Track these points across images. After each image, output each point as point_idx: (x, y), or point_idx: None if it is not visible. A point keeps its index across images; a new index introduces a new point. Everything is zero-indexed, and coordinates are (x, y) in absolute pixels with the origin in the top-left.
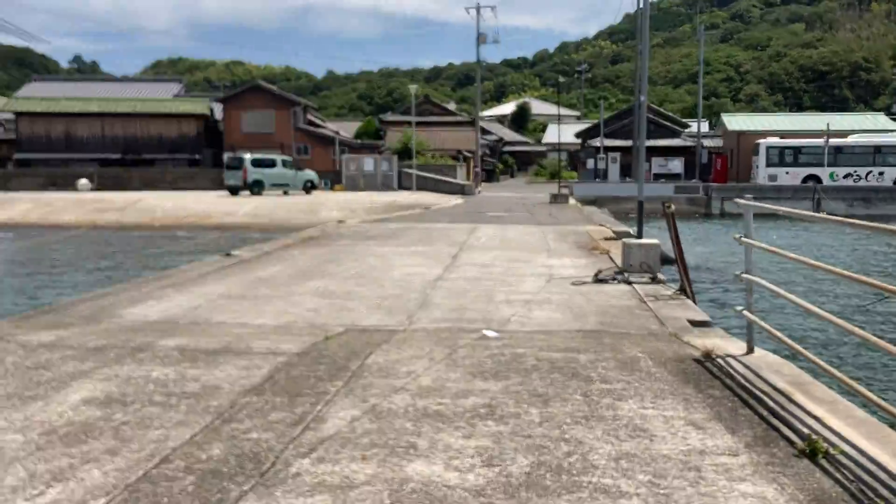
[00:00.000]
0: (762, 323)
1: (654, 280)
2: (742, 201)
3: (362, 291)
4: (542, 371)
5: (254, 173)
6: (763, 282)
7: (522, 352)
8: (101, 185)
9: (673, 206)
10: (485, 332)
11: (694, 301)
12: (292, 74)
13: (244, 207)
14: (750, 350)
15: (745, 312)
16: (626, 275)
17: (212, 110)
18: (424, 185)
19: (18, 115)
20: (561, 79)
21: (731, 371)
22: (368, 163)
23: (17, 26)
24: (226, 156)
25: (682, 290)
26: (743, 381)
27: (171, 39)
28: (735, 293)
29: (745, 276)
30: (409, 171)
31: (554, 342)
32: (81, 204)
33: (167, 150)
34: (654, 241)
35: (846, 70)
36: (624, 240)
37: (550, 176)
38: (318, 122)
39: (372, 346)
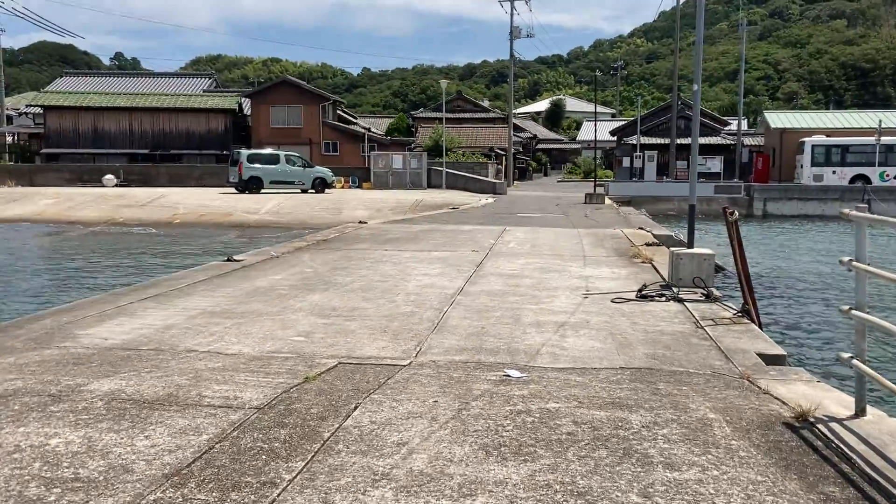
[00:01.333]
0: (885, 381)
1: (709, 298)
2: (855, 213)
3: (369, 309)
4: (583, 444)
5: (250, 170)
6: (884, 323)
7: (555, 407)
8: (127, 180)
9: (737, 213)
10: (507, 371)
11: (760, 326)
12: (328, 72)
13: (266, 205)
14: (860, 411)
15: (856, 362)
16: (675, 290)
17: (240, 105)
18: (455, 184)
19: (46, 109)
20: (598, 73)
21: (844, 448)
22: (397, 160)
23: (49, 21)
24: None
25: (745, 313)
26: (866, 467)
27: (210, 37)
28: (795, 311)
29: (856, 313)
30: (440, 168)
31: (595, 389)
32: (103, 200)
33: (195, 145)
34: (708, 250)
35: (889, 67)
36: (672, 249)
37: (584, 174)
38: (348, 118)
39: (361, 394)
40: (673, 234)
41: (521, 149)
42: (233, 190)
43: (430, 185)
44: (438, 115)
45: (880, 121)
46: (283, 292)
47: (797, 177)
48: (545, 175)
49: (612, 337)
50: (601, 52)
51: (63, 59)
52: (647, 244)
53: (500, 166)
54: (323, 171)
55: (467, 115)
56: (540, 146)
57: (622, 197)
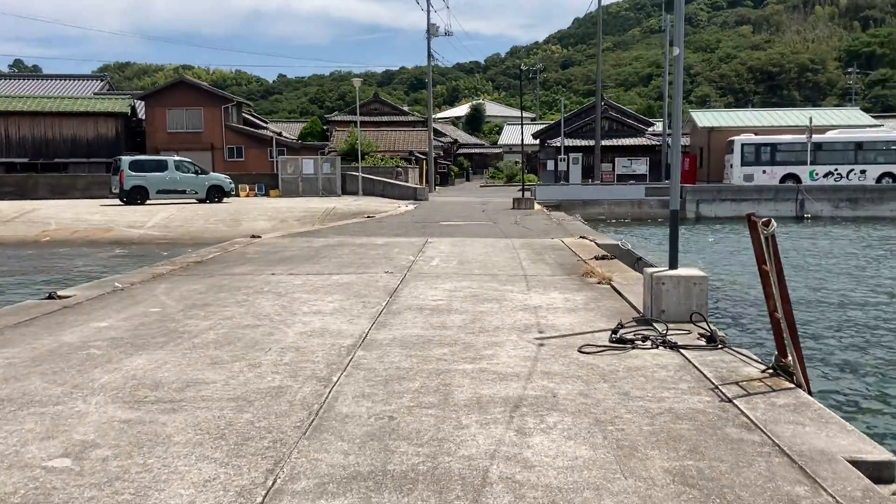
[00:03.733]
0: None
1: (713, 341)
2: None
3: (214, 383)
4: None
5: (133, 178)
6: None
7: None
8: None
9: (774, 224)
10: None
11: (810, 390)
12: (243, 78)
13: (154, 217)
14: None
15: None
16: (661, 330)
17: (133, 109)
18: (372, 190)
19: None
20: (524, 66)
21: None
22: (308, 165)
23: None
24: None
25: (781, 369)
26: None
27: (119, 45)
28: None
29: None
30: (355, 173)
31: None
32: None
33: (83, 153)
34: (698, 271)
35: (794, 71)
36: (649, 270)
37: (507, 178)
38: (256, 121)
39: None
40: (619, 243)
41: (442, 153)
42: (119, 202)
43: (345, 192)
44: (354, 118)
45: (811, 118)
46: (94, 353)
47: (727, 177)
48: (467, 180)
49: (601, 428)
50: (518, 59)
51: None
52: (597, 258)
53: (402, 170)
54: (219, 178)
55: (385, 119)
56: (461, 151)
57: (550, 201)
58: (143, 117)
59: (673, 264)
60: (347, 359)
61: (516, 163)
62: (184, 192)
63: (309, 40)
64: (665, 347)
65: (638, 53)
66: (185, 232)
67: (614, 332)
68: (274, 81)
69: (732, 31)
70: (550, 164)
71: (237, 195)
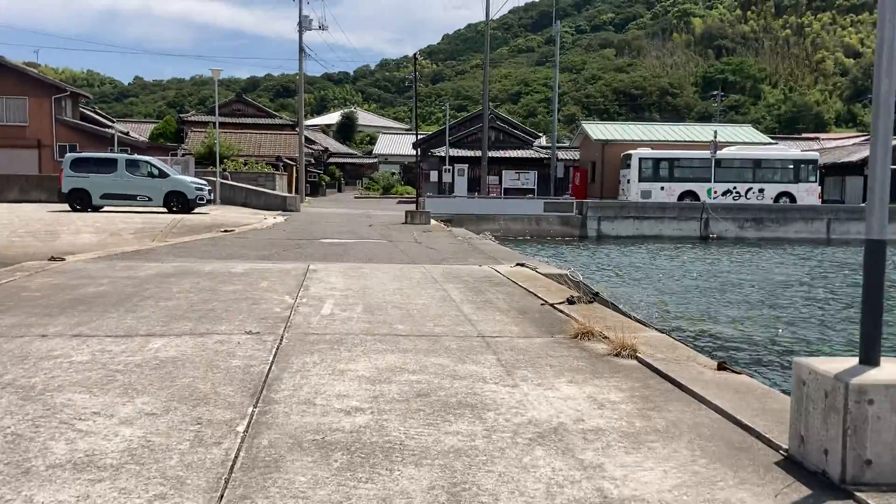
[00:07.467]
0: None
1: None
2: None
3: None
4: None
5: (73, 180)
6: None
7: None
8: None
9: None
10: None
11: None
12: (95, 79)
13: None
14: None
15: None
16: None
17: None
18: (232, 198)
19: None
20: (419, 58)
21: None
22: None
23: None
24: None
25: None
26: None
27: None
28: None
29: None
30: (213, 178)
31: None
32: None
33: None
34: None
35: (655, 94)
36: (822, 368)
37: (384, 190)
38: (98, 118)
39: None
40: (568, 272)
41: (313, 161)
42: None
43: None
44: (213, 117)
45: (716, 132)
46: None
47: (622, 193)
48: (339, 191)
49: None
50: (388, 72)
51: None
52: (570, 301)
53: (228, 174)
54: (182, 181)
55: (250, 121)
56: (332, 160)
57: (441, 215)
58: None
59: (872, 355)
60: None
61: (393, 174)
62: (134, 197)
63: (169, 44)
64: None
65: (507, 71)
66: None
67: None
68: (129, 84)
69: (597, 53)
70: (434, 175)
71: (204, 203)
